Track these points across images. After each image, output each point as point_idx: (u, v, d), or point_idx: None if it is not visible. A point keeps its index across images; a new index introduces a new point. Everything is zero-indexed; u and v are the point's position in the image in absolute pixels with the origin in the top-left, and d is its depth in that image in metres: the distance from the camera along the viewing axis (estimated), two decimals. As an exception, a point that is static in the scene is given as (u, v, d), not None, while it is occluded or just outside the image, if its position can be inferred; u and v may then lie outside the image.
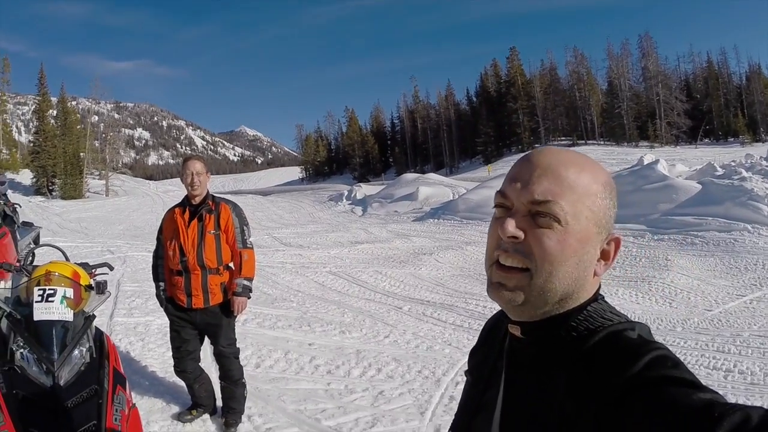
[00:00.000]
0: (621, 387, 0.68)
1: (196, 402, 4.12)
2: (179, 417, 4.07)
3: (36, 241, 9.10)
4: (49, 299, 2.42)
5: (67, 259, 3.13)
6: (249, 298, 3.97)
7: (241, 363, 4.91)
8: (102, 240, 15.07)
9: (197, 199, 3.94)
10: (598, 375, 0.72)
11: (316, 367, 5.28)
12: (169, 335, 4.14)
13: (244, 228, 4.00)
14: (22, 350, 2.36)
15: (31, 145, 47.46)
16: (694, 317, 7.12)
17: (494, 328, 1.02)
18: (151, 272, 4.21)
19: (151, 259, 4.27)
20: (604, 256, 0.84)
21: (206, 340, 4.13)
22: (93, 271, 3.04)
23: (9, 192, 38.78)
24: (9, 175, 43.11)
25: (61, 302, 2.45)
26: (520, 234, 0.79)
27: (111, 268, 3.26)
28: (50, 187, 43.29)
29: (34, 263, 5.53)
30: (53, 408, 2.23)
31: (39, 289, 2.45)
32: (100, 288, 2.76)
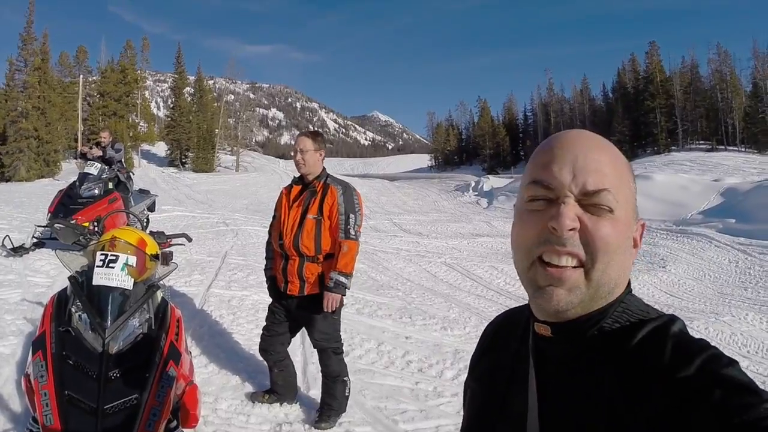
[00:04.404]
0: (678, 389, 0.67)
1: (273, 387, 4.12)
2: (252, 396, 4.11)
3: (151, 209, 9.82)
4: (110, 265, 2.50)
5: (143, 227, 3.24)
6: (344, 294, 3.71)
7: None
8: (222, 212, 16.08)
9: (309, 177, 3.81)
10: (651, 373, 0.71)
11: (408, 362, 5.16)
12: (261, 313, 4.12)
13: (350, 216, 3.71)
14: (80, 313, 2.45)
15: (168, 119, 51.77)
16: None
17: (502, 332, 1.00)
18: (262, 248, 4.19)
19: (263, 235, 4.22)
20: (634, 242, 0.83)
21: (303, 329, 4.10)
22: (168, 240, 3.12)
23: (144, 162, 42.52)
24: (145, 146, 47.55)
25: (122, 269, 2.52)
26: (578, 225, 0.77)
27: (189, 239, 3.34)
28: (183, 160, 47.22)
29: (149, 229, 5.92)
30: (97, 375, 2.29)
31: (101, 254, 2.54)
32: (166, 258, 2.81)
